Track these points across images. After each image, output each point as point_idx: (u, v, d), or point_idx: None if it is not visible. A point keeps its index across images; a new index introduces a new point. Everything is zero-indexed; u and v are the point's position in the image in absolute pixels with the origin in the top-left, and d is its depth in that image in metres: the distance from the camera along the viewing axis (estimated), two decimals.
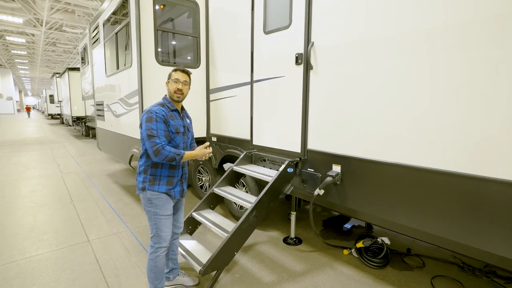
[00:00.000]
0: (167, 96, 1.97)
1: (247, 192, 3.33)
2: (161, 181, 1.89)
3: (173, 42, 4.02)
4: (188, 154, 1.88)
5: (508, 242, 1.53)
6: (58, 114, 21.08)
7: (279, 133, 2.86)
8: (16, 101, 43.84)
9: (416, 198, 1.88)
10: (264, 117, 3.01)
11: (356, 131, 2.18)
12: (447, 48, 1.66)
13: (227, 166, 3.69)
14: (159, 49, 3.55)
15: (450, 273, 2.49)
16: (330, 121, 2.36)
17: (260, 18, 2.91)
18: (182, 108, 2.07)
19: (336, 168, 2.34)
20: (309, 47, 2.44)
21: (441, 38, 1.68)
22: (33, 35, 16.08)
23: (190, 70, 3.64)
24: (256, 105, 3.09)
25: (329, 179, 2.30)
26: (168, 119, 1.86)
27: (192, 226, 2.74)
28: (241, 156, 3.09)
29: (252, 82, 3.11)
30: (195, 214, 2.69)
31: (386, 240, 2.64)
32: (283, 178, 2.60)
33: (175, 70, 1.94)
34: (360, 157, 2.17)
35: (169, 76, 1.94)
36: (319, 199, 2.50)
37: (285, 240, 3.05)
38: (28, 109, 34.34)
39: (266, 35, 2.87)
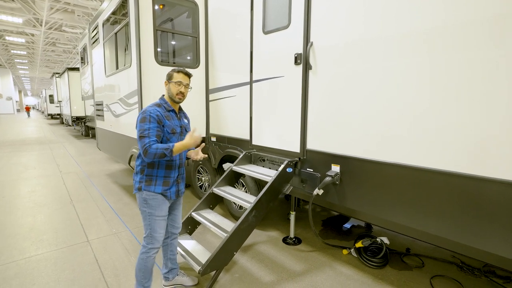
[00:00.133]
0: (166, 96, 1.96)
1: (246, 192, 3.33)
2: (157, 182, 1.88)
3: (173, 42, 4.02)
4: (179, 145, 1.80)
5: (507, 242, 1.53)
6: (58, 114, 21.08)
7: (278, 133, 2.86)
8: (16, 101, 43.82)
9: (415, 198, 1.88)
10: (263, 117, 3.01)
11: (356, 131, 2.18)
12: (447, 48, 1.66)
13: (226, 166, 3.69)
14: (159, 49, 3.55)
15: (449, 273, 2.49)
16: (330, 121, 2.36)
17: (259, 18, 2.91)
18: (180, 108, 2.06)
19: (335, 168, 2.34)
20: (308, 47, 2.44)
21: (441, 38, 1.68)
22: (32, 35, 16.07)
23: (190, 70, 3.65)
24: (256, 105, 3.09)
25: (328, 179, 2.31)
26: (164, 119, 1.85)
27: (191, 226, 2.74)
28: (240, 156, 3.10)
29: (251, 82, 3.11)
30: (194, 214, 2.70)
31: (386, 240, 2.64)
32: (282, 178, 2.61)
33: (177, 72, 1.92)
34: (360, 157, 2.17)
35: (170, 77, 1.92)
36: (318, 199, 2.50)
37: (284, 240, 3.05)
38: (27, 109, 34.33)
39: (265, 35, 2.87)
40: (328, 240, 3.08)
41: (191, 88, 2.00)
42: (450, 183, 1.71)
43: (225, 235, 2.22)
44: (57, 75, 15.35)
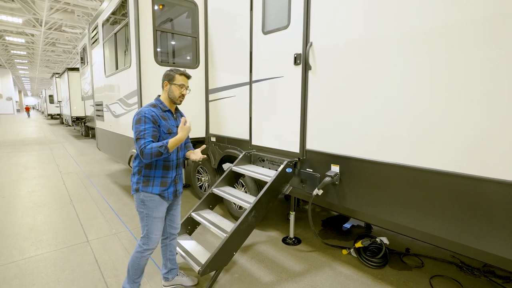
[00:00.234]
0: (163, 97, 1.93)
1: (246, 192, 3.33)
2: (154, 182, 1.88)
3: (172, 43, 4.02)
4: (173, 140, 1.77)
5: (507, 243, 1.53)
6: (58, 114, 21.07)
7: (278, 133, 2.86)
8: (16, 101, 43.83)
9: (415, 198, 1.88)
10: (263, 117, 3.01)
11: (355, 131, 2.18)
12: (447, 48, 1.66)
13: (226, 166, 3.69)
14: (158, 50, 3.55)
15: (448, 273, 2.49)
16: (329, 121, 2.36)
17: (259, 19, 2.91)
18: (176, 108, 2.04)
19: (335, 168, 2.34)
20: (307, 47, 2.44)
21: (441, 38, 1.67)
22: (32, 35, 16.07)
23: (189, 70, 3.64)
24: (255, 105, 3.08)
25: (327, 179, 2.30)
26: (159, 119, 1.84)
27: (191, 226, 2.74)
28: (240, 156, 3.09)
29: (251, 82, 3.11)
30: (194, 214, 2.69)
31: (385, 240, 2.64)
32: (282, 178, 2.60)
33: (180, 74, 1.92)
34: (359, 157, 2.17)
35: (172, 78, 1.90)
36: (318, 199, 2.50)
37: (284, 240, 3.05)
38: (27, 109, 34.33)
39: (265, 35, 2.87)
40: (327, 240, 3.08)
41: (190, 90, 2.01)
42: (449, 183, 1.71)
43: (225, 235, 2.22)
44: (57, 75, 15.36)
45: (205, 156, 2.02)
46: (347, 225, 3.48)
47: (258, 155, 3.10)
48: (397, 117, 1.91)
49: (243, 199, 2.65)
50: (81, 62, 8.32)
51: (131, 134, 3.90)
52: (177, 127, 1.97)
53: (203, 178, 4.27)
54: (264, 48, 2.90)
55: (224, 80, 3.51)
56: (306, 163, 2.61)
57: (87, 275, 2.41)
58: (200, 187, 4.33)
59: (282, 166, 2.59)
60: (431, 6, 1.71)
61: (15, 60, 25.45)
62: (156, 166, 1.89)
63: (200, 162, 4.21)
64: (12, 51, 21.31)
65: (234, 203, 3.43)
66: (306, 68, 2.49)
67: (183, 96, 1.93)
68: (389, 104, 1.95)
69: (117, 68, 4.16)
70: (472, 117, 1.59)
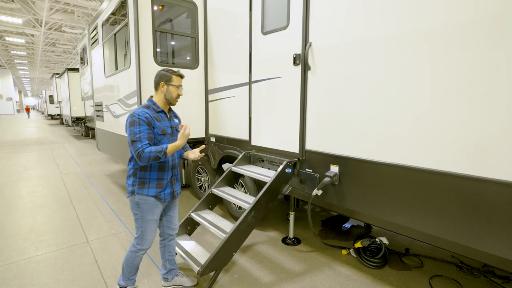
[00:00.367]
0: (158, 98, 1.91)
1: (245, 192, 3.32)
2: (150, 184, 1.87)
3: (172, 43, 4.02)
4: (172, 146, 1.80)
5: (507, 243, 1.53)
6: (58, 115, 21.08)
7: (277, 133, 2.86)
8: (16, 102, 43.84)
9: (415, 199, 1.88)
10: (262, 118, 3.01)
11: (355, 131, 2.17)
12: (447, 48, 1.65)
13: (226, 166, 3.69)
14: (158, 50, 3.54)
15: (448, 273, 2.49)
16: (329, 121, 2.36)
17: (258, 19, 2.91)
18: (170, 108, 2.03)
19: (334, 169, 2.34)
20: (307, 47, 2.44)
21: (441, 38, 1.67)
22: (32, 35, 16.08)
23: (189, 70, 3.63)
24: (255, 106, 3.08)
25: (327, 179, 2.30)
26: (153, 121, 1.82)
27: (190, 226, 2.73)
28: (239, 157, 3.09)
29: (250, 83, 3.10)
30: (193, 215, 2.69)
31: (385, 240, 2.64)
32: (281, 179, 2.60)
33: (176, 75, 1.91)
34: (359, 158, 2.16)
35: (169, 79, 1.89)
36: (317, 199, 2.50)
37: (283, 240, 3.05)
38: (27, 109, 34.36)
39: (264, 35, 2.87)
40: (327, 241, 3.07)
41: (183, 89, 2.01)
42: (449, 184, 1.70)
43: (224, 235, 2.22)
44: (57, 76, 15.36)
45: (203, 154, 2.02)
46: (347, 225, 3.48)
47: (258, 156, 3.10)
48: (397, 117, 1.91)
49: (243, 199, 2.64)
50: (81, 63, 8.32)
51: None
52: (171, 127, 1.96)
53: (202, 179, 4.26)
54: (264, 49, 2.89)
55: (223, 80, 3.51)
56: (305, 163, 2.61)
57: (86, 275, 2.41)
58: (200, 187, 4.33)
59: (281, 167, 2.59)
60: (431, 6, 1.70)
61: (15, 61, 25.46)
62: (151, 168, 1.88)
63: (199, 163, 4.21)
64: (12, 52, 21.32)
65: (233, 204, 3.42)
66: (306, 68, 2.48)
67: (179, 96, 1.94)
68: (389, 104, 1.95)
69: (116, 69, 4.16)
70: (472, 117, 1.59)
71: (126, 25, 3.55)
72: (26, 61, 25.68)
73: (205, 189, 4.24)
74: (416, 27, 1.78)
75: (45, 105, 23.45)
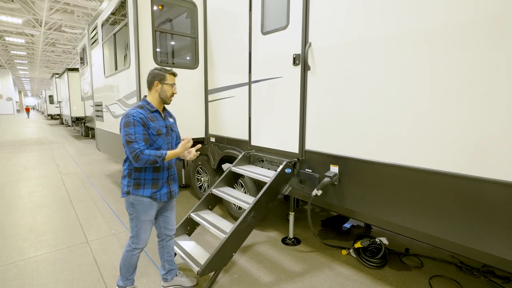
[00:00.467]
0: (152, 97, 1.90)
1: (245, 192, 3.32)
2: (145, 185, 1.87)
3: (172, 43, 4.01)
4: (171, 154, 1.83)
5: (506, 243, 1.53)
6: (58, 115, 21.08)
7: (277, 133, 2.86)
8: (16, 102, 43.83)
9: (415, 199, 1.88)
10: (262, 118, 3.01)
11: (355, 131, 2.17)
12: (447, 48, 1.65)
13: (225, 166, 3.69)
14: (158, 50, 3.54)
15: (448, 273, 2.49)
16: (329, 121, 2.36)
17: (258, 19, 2.91)
18: (164, 107, 2.01)
19: (334, 169, 2.34)
20: (306, 47, 2.44)
21: (441, 38, 1.67)
22: (32, 35, 16.07)
23: (189, 70, 3.62)
24: (254, 106, 3.08)
25: (327, 179, 2.30)
26: (148, 121, 1.81)
27: (190, 226, 2.73)
28: (239, 157, 3.09)
29: (250, 83, 3.10)
30: (193, 215, 2.69)
31: (384, 240, 2.64)
32: (281, 179, 2.60)
33: (170, 73, 1.90)
34: (359, 158, 2.16)
35: (164, 78, 1.88)
36: (317, 200, 2.49)
37: (283, 241, 3.05)
38: (27, 109, 34.37)
39: (264, 35, 2.87)
40: (327, 241, 3.07)
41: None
42: (449, 184, 1.70)
43: (224, 235, 2.22)
44: (56, 76, 15.36)
45: (199, 153, 2.01)
46: (347, 225, 3.48)
47: (258, 156, 3.09)
48: (397, 117, 1.91)
49: (242, 199, 2.64)
50: (81, 63, 8.31)
51: None
52: (166, 127, 1.94)
53: (202, 179, 4.26)
54: (263, 49, 2.89)
55: (223, 80, 3.51)
56: (305, 163, 2.61)
57: (86, 275, 2.41)
58: (200, 187, 4.33)
59: (281, 167, 2.59)
60: (431, 6, 1.70)
61: (15, 61, 25.45)
62: (146, 168, 1.87)
63: (199, 163, 4.21)
64: (12, 52, 21.31)
65: (233, 204, 3.42)
66: (305, 68, 2.48)
67: (173, 95, 1.93)
68: (389, 104, 1.94)
69: (116, 69, 4.16)
70: (472, 117, 1.58)
71: (126, 25, 3.54)
72: (26, 61, 25.68)
73: (205, 189, 4.24)
74: (416, 27, 1.77)
75: (45, 105, 23.44)
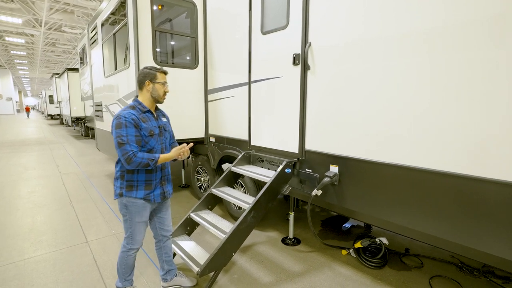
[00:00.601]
0: (144, 97, 1.87)
1: (245, 192, 3.32)
2: (138, 187, 1.85)
3: (171, 43, 4.01)
4: (163, 157, 1.82)
5: (507, 243, 1.53)
6: (58, 115, 21.08)
7: (277, 133, 2.85)
8: (16, 102, 43.83)
9: (415, 199, 1.87)
10: (262, 118, 3.01)
11: (355, 131, 2.17)
12: (447, 48, 1.65)
13: (225, 166, 3.69)
14: (157, 50, 3.54)
15: (448, 273, 2.48)
16: (328, 121, 2.35)
17: (258, 19, 2.90)
18: (156, 107, 1.98)
19: (334, 169, 2.33)
20: (306, 47, 2.43)
21: (441, 38, 1.67)
22: (32, 35, 16.07)
23: (189, 70, 3.60)
24: (254, 106, 3.08)
25: (326, 179, 2.30)
26: (140, 122, 1.78)
27: (190, 227, 2.73)
28: (239, 157, 3.09)
29: (250, 83, 3.10)
30: (193, 215, 2.69)
31: (384, 240, 2.63)
32: (281, 179, 2.60)
33: (160, 72, 1.88)
34: (359, 158, 2.16)
35: (155, 77, 1.85)
36: (317, 200, 2.49)
37: (283, 241, 3.05)
38: (27, 109, 34.40)
39: (263, 35, 2.86)
40: (327, 241, 3.07)
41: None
42: (449, 184, 1.70)
43: (224, 236, 2.22)
44: (56, 76, 15.36)
45: (190, 153, 1.98)
46: (347, 225, 3.47)
47: (257, 156, 3.09)
48: (397, 117, 1.91)
49: (242, 199, 2.64)
50: (81, 63, 8.31)
51: None
52: (159, 127, 1.92)
53: (202, 179, 4.26)
54: (263, 48, 2.89)
55: (223, 80, 3.51)
56: (305, 163, 2.61)
57: (86, 275, 2.41)
58: (200, 187, 4.33)
59: (281, 167, 2.58)
60: (431, 6, 1.70)
61: (15, 61, 25.44)
62: (139, 170, 1.84)
63: (199, 163, 4.21)
64: (12, 52, 21.31)
65: (233, 204, 3.42)
66: (305, 68, 2.48)
67: (166, 94, 1.91)
68: (389, 104, 1.94)
69: (116, 69, 4.16)
70: (472, 117, 1.58)
71: (126, 25, 3.54)
72: (26, 61, 25.67)
73: (204, 189, 4.24)
74: (416, 27, 1.77)
75: (45, 105, 23.44)
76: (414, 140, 1.83)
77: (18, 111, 46.50)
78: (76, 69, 12.16)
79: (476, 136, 1.57)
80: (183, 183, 5.18)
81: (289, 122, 2.69)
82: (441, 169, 1.72)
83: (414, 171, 1.85)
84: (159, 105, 2.02)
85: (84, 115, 11.54)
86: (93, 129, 11.74)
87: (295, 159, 2.67)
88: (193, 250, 2.38)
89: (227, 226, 2.43)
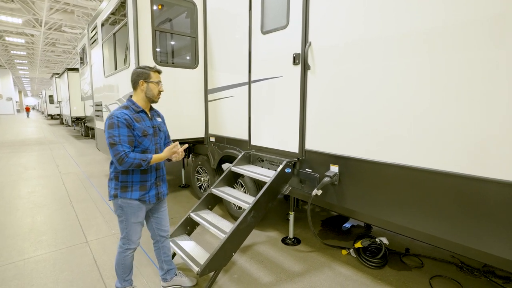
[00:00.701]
0: (138, 97, 1.86)
1: (245, 192, 3.32)
2: (133, 188, 1.83)
3: (171, 43, 4.01)
4: (156, 157, 1.80)
5: (507, 243, 1.52)
6: (58, 115, 21.08)
7: (277, 133, 2.85)
8: (16, 102, 43.83)
9: (415, 199, 1.87)
10: (262, 118, 3.00)
11: (355, 131, 2.17)
12: (447, 48, 1.65)
13: (225, 166, 3.68)
14: (157, 50, 3.54)
15: (448, 273, 2.48)
16: (329, 121, 2.35)
17: (258, 18, 2.90)
18: (151, 107, 1.96)
19: (334, 169, 2.33)
20: (306, 47, 2.43)
21: (441, 38, 1.67)
22: (32, 35, 16.07)
23: (189, 70, 3.60)
24: (254, 106, 3.08)
25: (327, 179, 2.30)
26: (133, 122, 1.75)
27: (190, 226, 2.73)
28: (239, 157, 3.09)
29: (250, 83, 3.10)
30: (193, 215, 2.69)
31: (385, 240, 2.63)
32: (281, 179, 2.60)
33: (154, 71, 1.86)
34: (359, 158, 2.16)
35: (148, 76, 1.83)
36: (317, 199, 2.49)
37: (283, 241, 3.05)
38: (27, 109, 34.43)
39: (263, 35, 2.86)
40: (327, 241, 3.07)
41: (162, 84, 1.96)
42: (449, 184, 1.70)
43: (224, 235, 2.22)
44: (56, 76, 15.36)
45: (184, 154, 1.96)
46: (347, 225, 3.47)
47: (257, 155, 3.09)
48: (397, 117, 1.91)
49: (242, 199, 2.64)
50: (81, 63, 8.31)
51: None
52: (153, 127, 1.90)
53: (202, 179, 4.26)
54: (263, 48, 2.89)
55: (223, 80, 3.51)
56: (305, 163, 2.61)
57: (86, 275, 2.41)
58: (200, 187, 4.33)
59: (281, 166, 2.58)
60: (431, 6, 1.70)
61: (15, 61, 25.44)
62: (134, 170, 1.82)
63: (199, 163, 4.21)
64: (12, 52, 21.31)
65: (233, 204, 3.42)
66: (305, 68, 2.48)
67: (160, 93, 1.89)
68: (389, 104, 1.94)
69: (116, 68, 4.15)
70: (472, 117, 1.58)
71: (126, 24, 3.54)
72: (26, 61, 25.67)
73: (204, 189, 4.24)
74: (416, 27, 1.77)
75: (45, 105, 23.44)
76: (414, 140, 1.83)
77: (18, 111, 46.50)
78: (76, 69, 12.16)
79: (476, 136, 1.57)
80: (183, 183, 5.18)
81: (289, 121, 2.69)
82: (441, 169, 1.72)
83: (414, 171, 1.85)
84: (155, 105, 2.00)
85: (84, 115, 11.54)
86: (93, 129, 11.74)
87: (295, 159, 2.67)
88: (193, 250, 2.37)
89: (227, 226, 2.42)
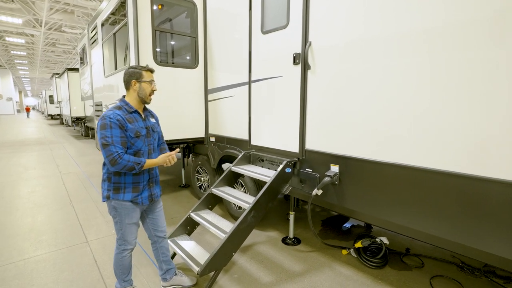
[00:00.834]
0: (131, 98, 1.84)
1: (245, 192, 3.32)
2: (126, 189, 1.82)
3: (171, 42, 4.01)
4: (150, 162, 1.79)
5: (507, 243, 1.52)
6: (58, 115, 21.08)
7: (277, 133, 2.85)
8: (16, 102, 43.84)
9: (415, 199, 1.87)
10: (262, 117, 3.00)
11: (355, 131, 2.17)
12: (447, 48, 1.65)
13: (225, 166, 3.68)
14: (157, 49, 3.54)
15: (449, 273, 2.48)
16: (329, 121, 2.35)
17: (258, 18, 2.90)
18: (145, 107, 1.95)
19: (334, 168, 2.33)
20: (306, 47, 2.43)
21: (441, 38, 1.67)
22: (32, 35, 16.07)
23: (189, 70, 3.60)
24: (254, 105, 3.08)
25: (327, 179, 2.30)
26: (125, 123, 1.73)
27: (190, 226, 2.73)
28: (239, 157, 3.09)
29: (250, 82, 3.10)
30: (193, 215, 2.69)
31: (385, 240, 2.63)
32: (281, 178, 2.60)
33: (146, 70, 1.83)
34: (359, 157, 2.16)
35: (140, 76, 1.81)
36: (317, 199, 2.49)
37: (283, 240, 3.05)
38: (27, 109, 34.45)
39: (264, 35, 2.86)
40: (327, 240, 3.07)
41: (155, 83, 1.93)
42: (450, 183, 1.70)
43: (224, 235, 2.22)
44: (56, 76, 15.36)
45: (175, 159, 1.93)
46: (347, 225, 3.47)
47: (258, 155, 3.09)
48: (397, 117, 1.91)
49: (242, 199, 2.64)
50: (81, 63, 8.31)
51: None
52: (147, 128, 1.88)
53: (202, 178, 4.26)
54: (263, 48, 2.89)
55: (223, 80, 3.51)
56: (305, 163, 2.61)
57: (86, 275, 2.41)
58: (200, 187, 4.33)
59: (281, 166, 2.58)
60: (431, 6, 1.70)
61: (15, 61, 25.45)
62: (126, 172, 1.80)
63: (199, 162, 4.21)
64: (12, 52, 21.31)
65: (233, 203, 3.42)
66: (305, 67, 2.48)
67: (153, 93, 1.87)
68: (389, 104, 1.94)
69: (116, 68, 4.15)
70: (472, 117, 1.58)
71: (126, 24, 3.54)
72: (26, 61, 25.67)
73: (205, 189, 4.24)
74: (416, 27, 1.77)
75: (45, 105, 23.43)
76: (414, 139, 1.83)
77: (18, 111, 46.50)
78: (76, 69, 12.16)
79: (476, 136, 1.57)
80: (183, 182, 5.18)
81: (289, 121, 2.69)
82: (442, 168, 1.72)
83: (414, 170, 1.85)
84: (154, 104, 1.98)
85: (84, 115, 11.54)
86: (93, 129, 11.74)
87: (295, 159, 2.67)
88: (193, 250, 2.37)
89: (227, 226, 2.42)
